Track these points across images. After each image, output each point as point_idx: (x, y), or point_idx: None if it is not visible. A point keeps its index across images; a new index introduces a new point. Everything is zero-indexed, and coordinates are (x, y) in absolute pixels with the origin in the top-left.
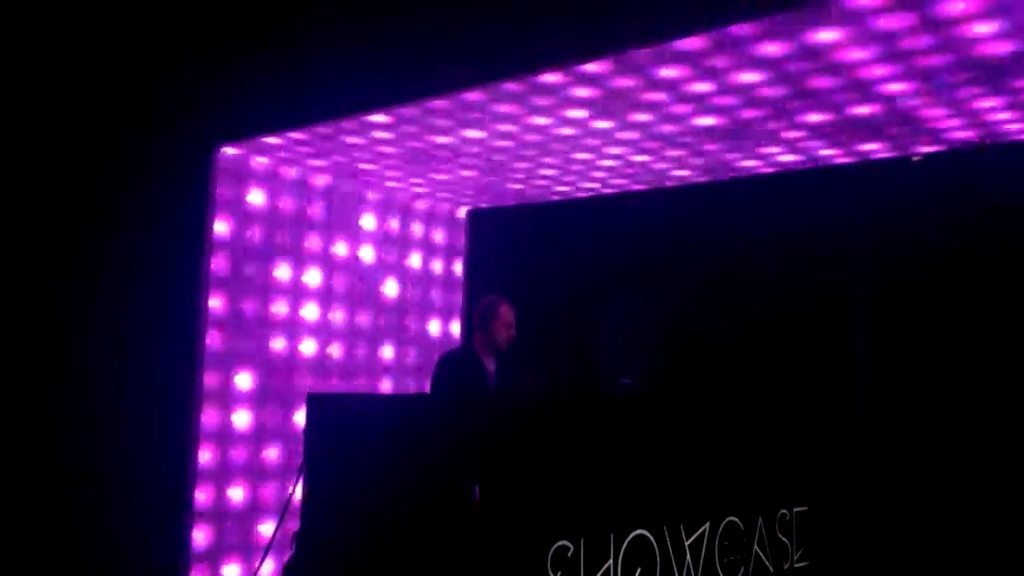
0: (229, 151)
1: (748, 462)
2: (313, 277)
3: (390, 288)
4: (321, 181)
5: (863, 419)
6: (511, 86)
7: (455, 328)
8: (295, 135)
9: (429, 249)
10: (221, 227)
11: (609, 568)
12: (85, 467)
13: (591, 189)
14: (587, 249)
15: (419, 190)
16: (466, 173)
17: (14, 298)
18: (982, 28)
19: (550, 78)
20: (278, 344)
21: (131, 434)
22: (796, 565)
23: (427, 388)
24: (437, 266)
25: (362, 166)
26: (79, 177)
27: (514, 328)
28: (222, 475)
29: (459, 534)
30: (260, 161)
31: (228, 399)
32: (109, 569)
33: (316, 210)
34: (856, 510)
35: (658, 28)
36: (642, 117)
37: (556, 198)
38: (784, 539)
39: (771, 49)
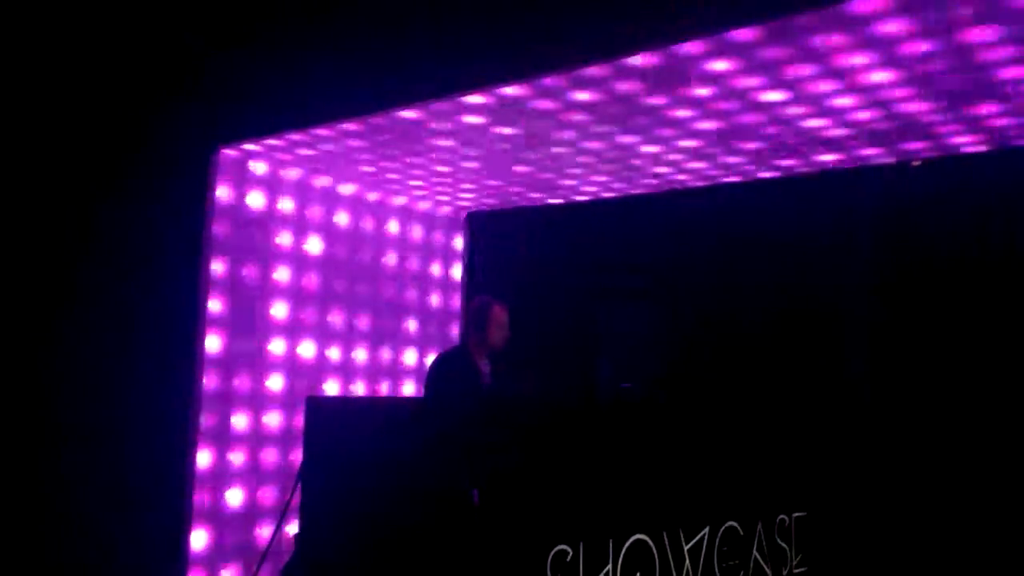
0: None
1: (747, 467)
2: (311, 281)
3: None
4: (322, 183)
5: (862, 424)
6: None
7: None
8: (295, 136)
9: (427, 251)
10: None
11: (608, 573)
12: (82, 470)
13: (591, 192)
14: (587, 253)
15: (419, 192)
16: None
17: (12, 301)
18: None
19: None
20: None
21: (129, 436)
22: (795, 571)
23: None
24: (435, 268)
25: (363, 168)
26: (79, 178)
27: (507, 328)
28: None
29: (458, 538)
30: (259, 163)
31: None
32: (107, 572)
33: (316, 212)
34: (855, 516)
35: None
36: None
37: (556, 201)
38: (783, 544)
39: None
